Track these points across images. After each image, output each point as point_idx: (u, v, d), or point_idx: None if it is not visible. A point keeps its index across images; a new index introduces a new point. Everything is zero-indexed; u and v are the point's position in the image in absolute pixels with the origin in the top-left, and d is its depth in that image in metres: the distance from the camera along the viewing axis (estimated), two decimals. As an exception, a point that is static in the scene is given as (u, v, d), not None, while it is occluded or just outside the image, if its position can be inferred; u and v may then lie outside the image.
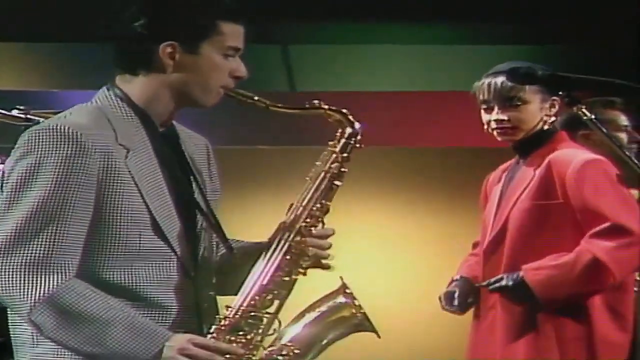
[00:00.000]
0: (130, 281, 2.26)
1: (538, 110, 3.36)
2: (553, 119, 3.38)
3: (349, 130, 2.44)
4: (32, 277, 2.17)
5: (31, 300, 2.17)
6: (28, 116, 3.26)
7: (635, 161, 2.47)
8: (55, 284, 2.17)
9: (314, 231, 2.39)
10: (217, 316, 2.34)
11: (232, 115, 6.31)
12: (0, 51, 6.05)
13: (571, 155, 3.30)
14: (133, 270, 2.26)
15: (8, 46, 5.97)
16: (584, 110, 2.47)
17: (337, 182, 2.42)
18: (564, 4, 5.63)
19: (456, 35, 6.03)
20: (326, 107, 2.44)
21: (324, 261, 2.42)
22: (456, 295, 3.44)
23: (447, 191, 6.65)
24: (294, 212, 2.39)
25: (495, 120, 3.36)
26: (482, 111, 3.40)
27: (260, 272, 2.34)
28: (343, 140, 2.44)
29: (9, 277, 2.18)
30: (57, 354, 2.24)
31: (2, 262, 2.18)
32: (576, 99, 2.49)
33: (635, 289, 3.96)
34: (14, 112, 3.30)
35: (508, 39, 5.91)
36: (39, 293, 2.17)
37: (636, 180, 3.13)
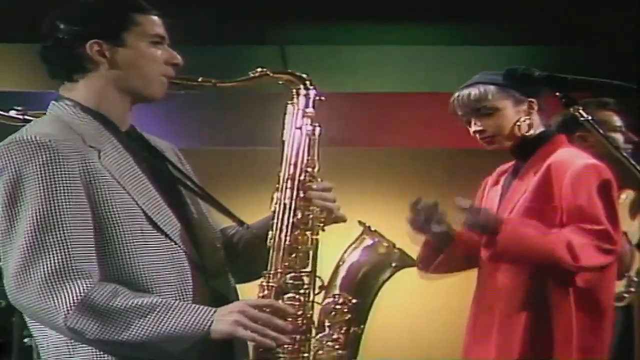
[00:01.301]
0: (144, 278, 2.25)
1: (514, 114, 3.37)
2: (529, 120, 3.38)
3: (301, 86, 2.45)
4: (59, 286, 2.17)
5: (64, 308, 2.16)
6: (26, 117, 3.25)
7: (632, 162, 2.47)
8: (82, 288, 2.17)
9: (313, 186, 2.39)
10: (237, 298, 2.37)
11: (228, 116, 6.32)
12: (-1, 52, 6.06)
13: (571, 159, 3.30)
14: (145, 267, 2.26)
15: (7, 47, 5.97)
16: (580, 111, 2.47)
17: (314, 138, 2.42)
18: (562, 5, 5.63)
19: (454, 36, 6.04)
20: (270, 72, 2.44)
21: (337, 214, 2.42)
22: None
23: (446, 192, 6.64)
24: (286, 172, 2.39)
25: (475, 132, 3.39)
26: (466, 125, 3.44)
27: (279, 234, 2.34)
28: (302, 97, 2.44)
29: (36, 293, 2.17)
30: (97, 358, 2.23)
31: (26, 280, 2.18)
32: (573, 100, 2.48)
33: (632, 289, 3.97)
34: (12, 113, 3.30)
35: (506, 40, 5.91)
36: (70, 300, 2.16)
37: (632, 181, 3.13)
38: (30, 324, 2.32)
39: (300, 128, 2.42)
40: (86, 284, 2.17)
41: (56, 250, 2.18)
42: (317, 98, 2.45)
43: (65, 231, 2.19)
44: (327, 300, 2.43)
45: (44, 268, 2.17)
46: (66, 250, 2.18)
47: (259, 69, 2.44)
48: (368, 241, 2.56)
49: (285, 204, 2.36)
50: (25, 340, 3.55)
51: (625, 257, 4.02)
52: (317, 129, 2.43)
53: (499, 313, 3.33)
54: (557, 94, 2.51)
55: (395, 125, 6.65)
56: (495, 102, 3.35)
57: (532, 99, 3.37)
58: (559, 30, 5.85)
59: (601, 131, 2.53)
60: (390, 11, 5.61)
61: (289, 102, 2.45)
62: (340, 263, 2.53)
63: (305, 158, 2.41)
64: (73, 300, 2.16)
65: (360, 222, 2.56)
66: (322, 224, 2.39)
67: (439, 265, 3.46)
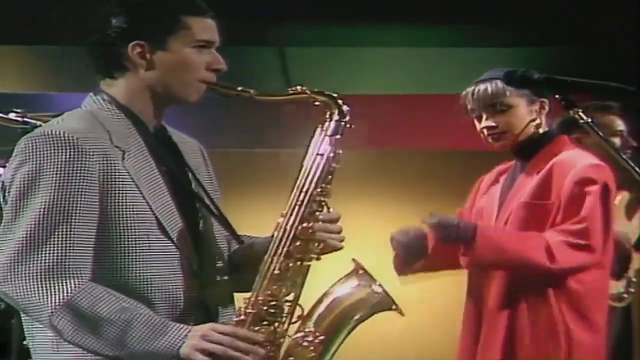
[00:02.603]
0: (140, 282, 2.26)
1: (526, 113, 3.37)
2: (539, 120, 3.39)
3: (336, 111, 2.40)
4: (49, 283, 2.18)
5: (50, 305, 2.17)
6: (25, 119, 3.26)
7: (631, 164, 2.47)
8: (72, 287, 2.18)
9: (319, 216, 2.37)
10: (232, 310, 2.36)
11: (235, 118, 6.32)
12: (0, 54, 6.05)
13: (574, 160, 3.31)
14: (143, 270, 2.26)
15: (7, 49, 5.97)
16: (580, 113, 2.47)
17: (334, 165, 2.38)
18: (564, 7, 5.63)
19: (454, 37, 6.03)
20: (309, 91, 2.40)
21: (335, 243, 2.39)
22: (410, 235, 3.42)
23: (446, 193, 6.64)
24: (295, 199, 2.36)
25: (485, 128, 3.37)
26: (475, 120, 3.42)
27: (270, 262, 2.33)
28: (333, 122, 2.40)
29: (26, 285, 2.18)
30: (80, 358, 2.23)
31: (18, 271, 2.19)
32: (572, 102, 2.48)
33: (632, 290, 3.97)
34: (11, 115, 3.30)
35: (507, 41, 5.91)
36: (58, 298, 2.17)
37: (627, 183, 3.14)
38: (24, 321, 2.33)
39: (322, 155, 2.38)
40: (76, 284, 2.19)
41: (53, 247, 2.19)
42: (349, 125, 2.40)
43: (67, 230, 2.20)
44: (296, 335, 2.40)
45: (38, 262, 2.18)
46: (63, 249, 2.19)
47: (298, 87, 2.40)
48: (354, 282, 2.53)
49: (285, 230, 2.34)
50: (25, 342, 3.55)
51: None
52: (340, 155, 2.39)
53: (486, 318, 3.33)
54: (557, 96, 2.50)
55: (395, 127, 6.65)
56: (511, 99, 3.34)
57: (544, 100, 3.38)
58: (559, 31, 5.85)
59: (600, 133, 2.53)
60: (390, 12, 5.61)
61: (319, 125, 2.41)
62: (323, 297, 2.51)
63: (319, 186, 2.37)
64: (61, 298, 2.17)
65: (354, 260, 2.54)
66: (317, 255, 2.37)
67: (418, 269, 3.48)
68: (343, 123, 2.40)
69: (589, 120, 2.47)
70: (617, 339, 4.08)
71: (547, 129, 3.42)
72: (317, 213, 2.37)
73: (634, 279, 4.12)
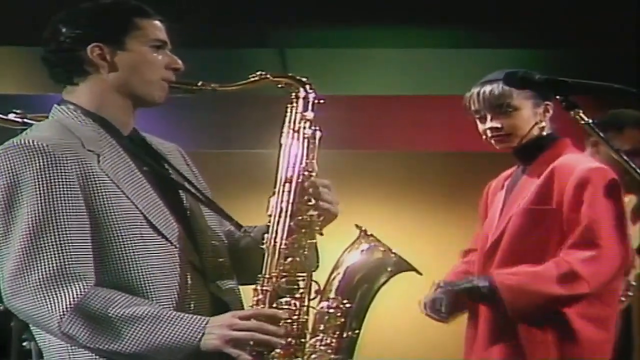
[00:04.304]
0: (144, 284, 2.26)
1: (531, 115, 3.35)
2: (543, 123, 3.38)
3: (302, 90, 2.44)
4: (54, 290, 2.17)
5: (58, 312, 2.16)
6: (25, 120, 3.25)
7: (633, 166, 2.46)
8: (77, 292, 2.17)
9: (310, 188, 2.37)
10: (242, 300, 2.38)
11: (232, 119, 6.31)
12: (-1, 55, 6.05)
13: (575, 163, 3.29)
14: (145, 272, 2.26)
15: (7, 50, 5.96)
16: (581, 114, 2.47)
17: (313, 141, 2.41)
18: (564, 8, 5.62)
19: (454, 39, 6.03)
20: (270, 75, 2.44)
21: (332, 210, 2.41)
22: (443, 303, 3.38)
23: (446, 194, 6.65)
24: (283, 174, 2.38)
25: (489, 129, 3.36)
26: (477, 121, 3.41)
27: (275, 237, 2.33)
28: (301, 100, 2.43)
29: (31, 297, 2.18)
30: None
31: (22, 284, 2.18)
32: (573, 103, 2.48)
33: (630, 293, 3.96)
34: (11, 116, 3.29)
35: (504, 42, 5.90)
36: (65, 303, 2.17)
37: (635, 186, 3.13)
38: (33, 327, 2.32)
39: (298, 131, 2.41)
40: (81, 289, 2.18)
41: (52, 254, 2.18)
42: (317, 101, 2.44)
43: (61, 235, 2.19)
44: (321, 305, 2.42)
45: (39, 272, 2.17)
46: (62, 254, 2.18)
47: (258, 73, 2.44)
48: (364, 245, 2.55)
49: (282, 208, 2.35)
50: (24, 343, 3.54)
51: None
52: (318, 133, 2.42)
53: (483, 318, 3.33)
54: (558, 97, 2.50)
55: (394, 128, 6.64)
56: (517, 101, 3.33)
57: (549, 102, 3.36)
58: (558, 32, 5.84)
59: (601, 135, 2.53)
60: (389, 14, 5.60)
61: (288, 105, 2.44)
62: (337, 267, 2.52)
63: (304, 161, 2.39)
64: (68, 304, 2.16)
65: (357, 226, 2.55)
66: (319, 228, 2.38)
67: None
68: (311, 99, 2.43)
69: (590, 121, 2.47)
70: (616, 341, 4.08)
71: (549, 132, 3.41)
72: (308, 187, 2.38)
73: (634, 282, 4.11)
